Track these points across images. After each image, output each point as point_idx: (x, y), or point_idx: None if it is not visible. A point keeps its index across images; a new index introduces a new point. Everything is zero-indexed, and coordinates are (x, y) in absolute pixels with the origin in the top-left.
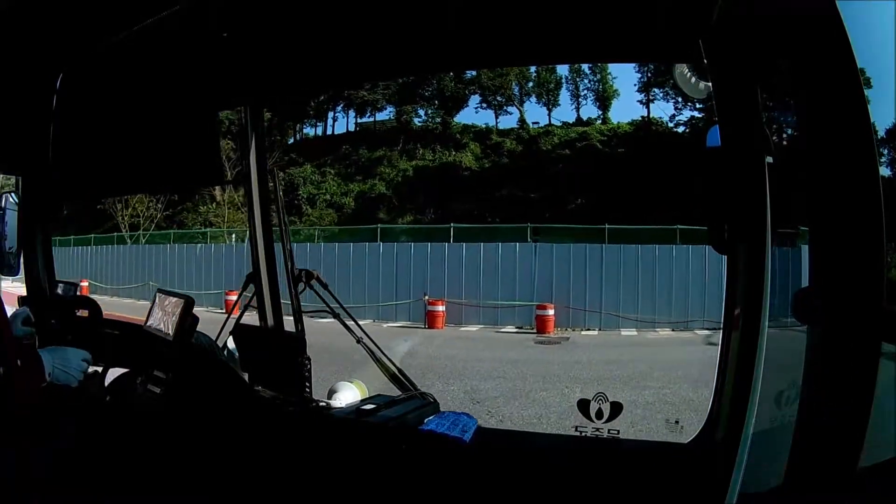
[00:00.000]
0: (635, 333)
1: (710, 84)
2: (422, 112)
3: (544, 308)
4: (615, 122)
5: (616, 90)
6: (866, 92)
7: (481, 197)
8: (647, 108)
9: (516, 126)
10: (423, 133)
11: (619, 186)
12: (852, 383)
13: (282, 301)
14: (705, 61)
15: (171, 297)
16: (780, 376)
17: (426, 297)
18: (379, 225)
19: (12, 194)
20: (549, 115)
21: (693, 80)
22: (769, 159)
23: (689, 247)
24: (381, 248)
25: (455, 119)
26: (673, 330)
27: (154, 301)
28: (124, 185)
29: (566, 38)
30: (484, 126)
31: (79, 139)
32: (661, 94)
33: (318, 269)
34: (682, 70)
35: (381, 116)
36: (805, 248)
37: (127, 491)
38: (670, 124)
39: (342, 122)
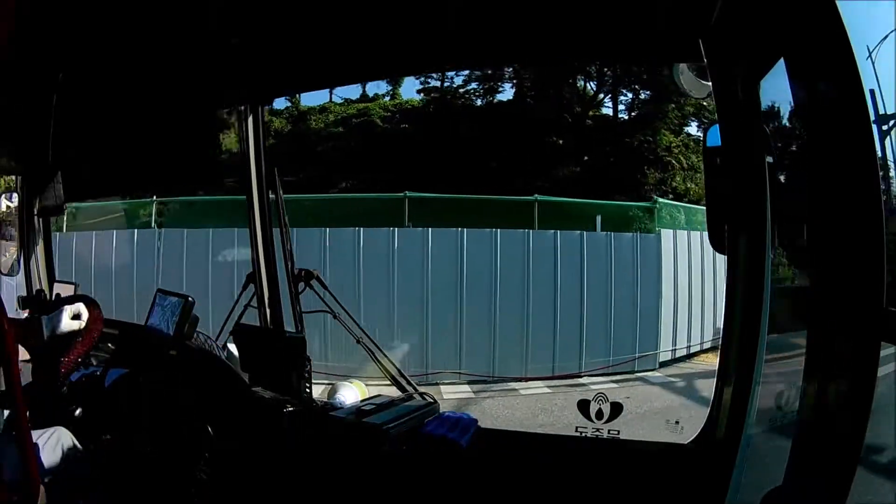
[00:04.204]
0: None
1: (709, 84)
2: None
3: None
4: (405, 98)
5: None
6: (866, 92)
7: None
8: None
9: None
10: None
11: (402, 164)
12: (852, 383)
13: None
14: (705, 61)
15: (171, 297)
16: (780, 376)
17: None
18: None
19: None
20: (330, 92)
21: (693, 79)
22: (769, 159)
23: (495, 231)
24: None
25: None
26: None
27: (154, 301)
28: (124, 184)
29: (566, 38)
30: None
31: (79, 139)
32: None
33: None
34: (683, 70)
35: None
36: (805, 248)
37: (127, 491)
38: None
39: None
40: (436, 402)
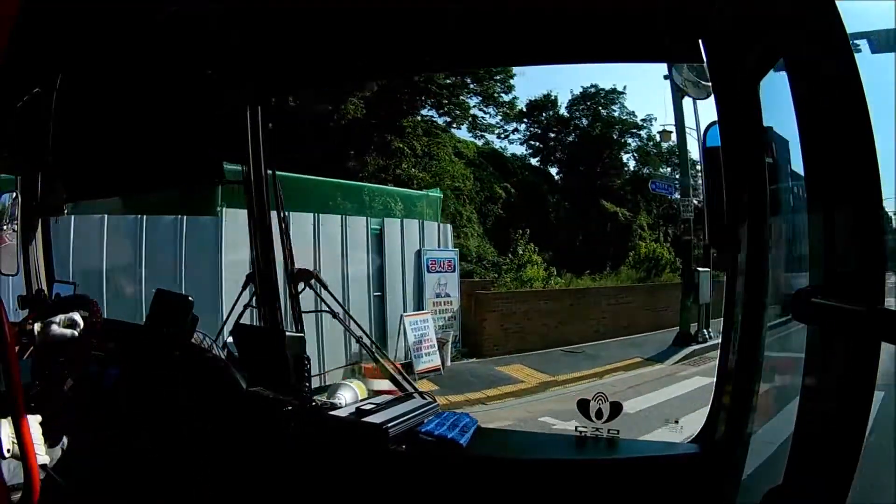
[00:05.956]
0: None
1: (709, 84)
2: None
3: None
4: None
5: None
6: (866, 91)
7: None
8: None
9: None
10: None
11: None
12: (852, 383)
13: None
14: (705, 61)
15: (171, 297)
16: (780, 376)
17: None
18: None
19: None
20: None
21: (693, 79)
22: (769, 159)
23: None
24: None
25: None
26: None
27: (154, 300)
28: (124, 184)
29: (566, 38)
30: None
31: (79, 139)
32: None
33: None
34: (683, 70)
35: None
36: (805, 248)
37: (127, 491)
38: None
39: None
40: (436, 401)
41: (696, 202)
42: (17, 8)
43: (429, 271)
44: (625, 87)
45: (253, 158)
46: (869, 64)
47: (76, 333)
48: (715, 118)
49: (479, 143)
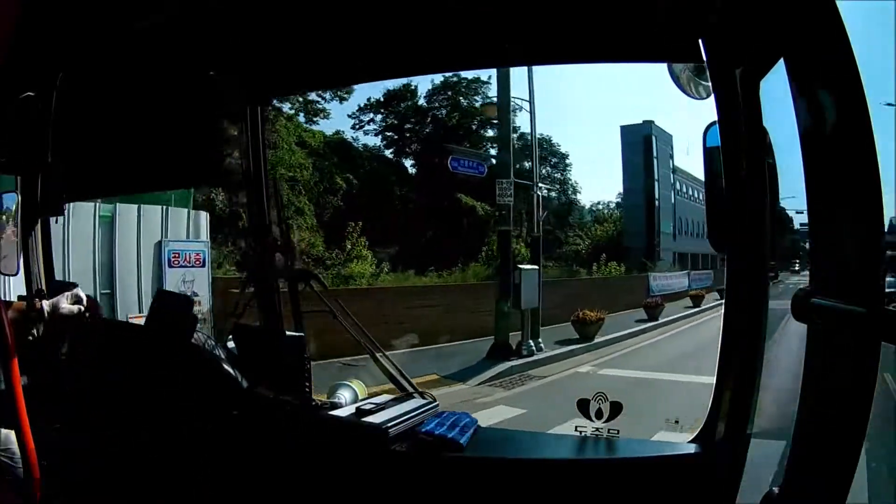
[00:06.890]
0: None
1: (709, 84)
2: None
3: None
4: None
5: None
6: (866, 91)
7: None
8: None
9: None
10: None
11: None
12: (852, 383)
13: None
14: (705, 61)
15: (172, 296)
16: (780, 376)
17: None
18: None
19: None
20: None
21: (693, 79)
22: (769, 159)
23: None
24: None
25: None
26: None
27: (154, 300)
28: (123, 184)
29: (565, 38)
30: None
31: (78, 139)
32: None
33: None
34: (683, 70)
35: None
36: (805, 248)
37: (127, 491)
38: None
39: None
40: (436, 401)
41: (529, 185)
42: (18, 7)
43: (170, 266)
44: (489, 77)
45: (253, 159)
46: (869, 63)
47: (82, 308)
48: (715, 118)
49: (329, 132)
